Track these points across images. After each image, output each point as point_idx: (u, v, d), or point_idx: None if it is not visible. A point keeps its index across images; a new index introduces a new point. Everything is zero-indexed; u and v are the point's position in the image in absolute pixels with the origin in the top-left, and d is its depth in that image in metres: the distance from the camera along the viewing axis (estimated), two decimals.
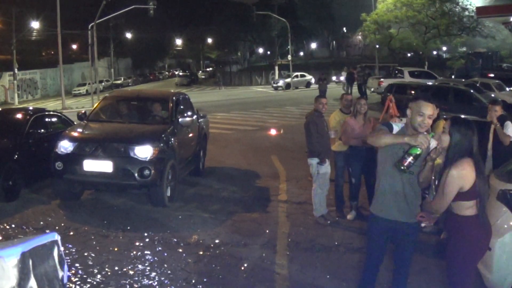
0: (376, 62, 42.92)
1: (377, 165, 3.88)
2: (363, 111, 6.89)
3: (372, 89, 28.91)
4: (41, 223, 6.92)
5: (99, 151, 7.36)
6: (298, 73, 43.66)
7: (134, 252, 5.83)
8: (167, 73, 77.27)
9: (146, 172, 7.22)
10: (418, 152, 3.36)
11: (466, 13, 37.27)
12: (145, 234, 6.43)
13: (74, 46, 53.15)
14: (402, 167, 3.43)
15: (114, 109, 9.02)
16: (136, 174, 7.22)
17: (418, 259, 5.06)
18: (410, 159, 3.38)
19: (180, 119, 8.50)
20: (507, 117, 6.48)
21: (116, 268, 5.33)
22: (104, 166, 7.29)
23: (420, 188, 3.72)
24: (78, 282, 4.95)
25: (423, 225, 3.70)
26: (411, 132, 3.58)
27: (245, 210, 7.69)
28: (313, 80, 41.94)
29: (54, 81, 45.34)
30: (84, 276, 5.09)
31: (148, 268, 5.37)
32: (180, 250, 5.93)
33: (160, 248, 5.96)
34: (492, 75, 24.13)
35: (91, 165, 7.32)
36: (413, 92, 18.95)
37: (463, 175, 3.35)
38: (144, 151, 7.32)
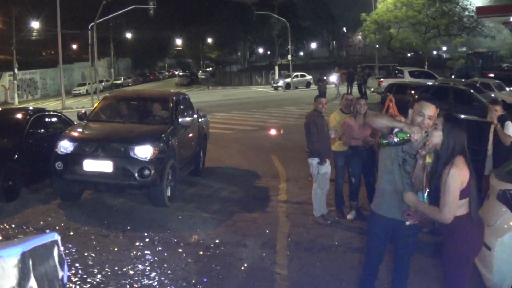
0: (376, 62, 42.93)
1: (378, 164, 3.89)
2: (363, 111, 6.89)
3: (372, 89, 28.90)
4: (41, 223, 6.92)
5: (99, 151, 7.36)
6: (298, 73, 43.66)
7: (134, 252, 5.83)
8: (167, 73, 77.27)
9: (146, 172, 7.21)
10: (405, 137, 3.40)
11: (466, 13, 37.28)
12: (145, 234, 6.43)
13: (74, 46, 53.18)
14: (384, 141, 3.49)
15: (114, 109, 9.02)
16: (136, 174, 7.22)
17: (418, 259, 5.06)
18: (395, 138, 3.43)
19: (180, 119, 8.49)
20: (507, 117, 6.48)
21: (116, 268, 5.33)
22: (104, 166, 7.29)
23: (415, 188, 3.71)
24: (78, 282, 4.95)
25: (407, 223, 3.66)
26: None
27: (245, 210, 7.69)
28: (313, 81, 41.93)
29: (54, 81, 45.35)
30: (84, 276, 5.09)
31: (148, 268, 5.37)
32: (180, 250, 5.93)
33: (160, 248, 5.96)
34: (492, 75, 24.15)
35: (91, 165, 7.32)
36: (413, 92, 18.95)
37: (462, 173, 3.34)
38: (144, 151, 7.32)
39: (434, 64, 42.44)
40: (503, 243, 4.26)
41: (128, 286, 4.93)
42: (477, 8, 30.54)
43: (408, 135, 3.38)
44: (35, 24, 37.75)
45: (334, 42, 71.27)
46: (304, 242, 6.21)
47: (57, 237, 2.55)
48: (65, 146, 7.48)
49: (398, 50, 44.12)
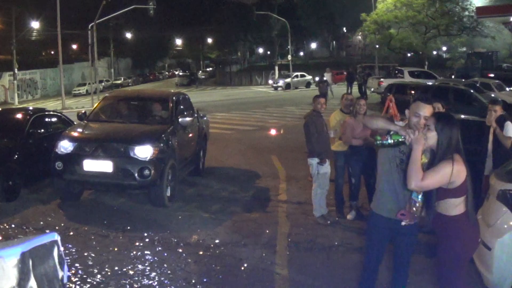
0: (376, 62, 42.92)
1: (377, 165, 3.89)
2: (362, 111, 6.90)
3: (372, 89, 28.91)
4: (41, 223, 6.92)
5: (99, 151, 7.36)
6: (298, 73, 43.66)
7: (134, 252, 5.83)
8: (167, 73, 77.24)
9: (146, 172, 7.21)
10: (400, 139, 3.39)
11: (466, 13, 37.27)
12: (145, 234, 6.43)
13: (74, 46, 53.22)
14: (378, 141, 3.47)
15: (114, 109, 9.02)
16: (136, 174, 7.22)
17: (418, 259, 5.06)
18: (389, 139, 3.42)
19: (180, 119, 8.49)
20: (507, 117, 6.46)
21: (116, 268, 5.33)
22: (104, 166, 7.29)
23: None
24: (78, 282, 4.95)
25: (403, 223, 3.66)
26: None
27: (245, 210, 7.69)
28: (313, 81, 41.92)
29: (54, 81, 45.34)
30: (84, 276, 5.09)
31: (148, 268, 5.37)
32: (180, 250, 5.93)
33: (160, 248, 5.96)
34: (492, 75, 24.15)
35: (91, 165, 7.32)
36: (413, 92, 18.95)
37: (461, 170, 3.34)
38: (144, 151, 7.32)
39: (434, 64, 42.43)
40: (503, 243, 4.26)
41: (128, 286, 4.93)
42: (477, 8, 30.51)
43: (403, 137, 3.38)
44: (35, 24, 37.72)
45: (334, 42, 71.22)
46: (304, 242, 6.20)
47: (57, 237, 2.55)
48: (65, 146, 7.48)
49: (398, 50, 44.11)
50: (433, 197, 3.43)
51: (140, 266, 5.41)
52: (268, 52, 63.85)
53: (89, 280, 5.02)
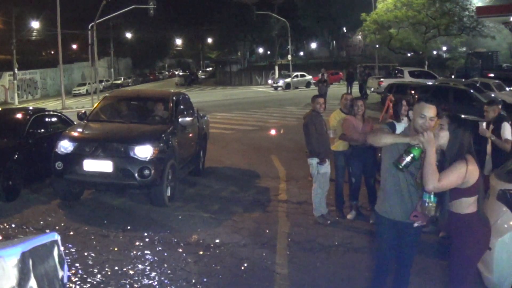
0: (376, 62, 42.90)
1: (381, 164, 3.88)
2: (361, 112, 6.91)
3: (372, 89, 28.90)
4: (41, 223, 6.92)
5: (99, 151, 7.36)
6: (298, 73, 43.65)
7: (134, 252, 5.83)
8: (167, 73, 77.22)
9: (146, 172, 7.21)
10: (415, 153, 3.36)
11: (466, 13, 37.21)
12: (145, 234, 6.43)
13: (74, 46, 53.20)
14: (400, 166, 3.43)
15: (114, 109, 9.03)
16: (136, 174, 7.22)
17: (418, 259, 5.04)
18: (408, 158, 3.38)
19: (180, 119, 8.49)
20: (504, 117, 6.43)
21: (116, 268, 5.33)
22: (104, 166, 7.29)
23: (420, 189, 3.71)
24: (78, 282, 4.95)
25: (415, 224, 3.66)
26: (413, 134, 3.58)
27: (245, 210, 7.69)
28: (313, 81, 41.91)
29: (54, 81, 45.35)
30: (84, 276, 5.09)
31: (148, 268, 5.37)
32: (180, 250, 5.93)
33: (160, 248, 5.96)
34: (492, 75, 24.12)
35: (91, 165, 7.32)
36: (413, 92, 18.94)
37: (474, 170, 3.37)
38: (144, 151, 7.32)
39: (434, 64, 42.41)
40: (503, 243, 4.26)
41: (128, 286, 4.93)
42: (477, 8, 30.53)
43: (417, 146, 3.35)
44: (35, 24, 37.80)
45: (334, 42, 71.19)
46: (304, 242, 6.20)
47: (57, 237, 2.55)
48: (65, 146, 7.48)
49: (398, 50, 44.05)
50: (447, 197, 3.45)
51: (140, 266, 5.41)
52: (268, 52, 63.93)
53: (89, 280, 5.02)
